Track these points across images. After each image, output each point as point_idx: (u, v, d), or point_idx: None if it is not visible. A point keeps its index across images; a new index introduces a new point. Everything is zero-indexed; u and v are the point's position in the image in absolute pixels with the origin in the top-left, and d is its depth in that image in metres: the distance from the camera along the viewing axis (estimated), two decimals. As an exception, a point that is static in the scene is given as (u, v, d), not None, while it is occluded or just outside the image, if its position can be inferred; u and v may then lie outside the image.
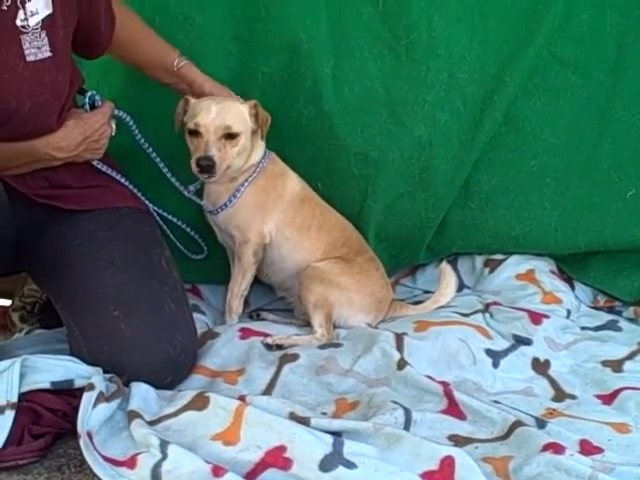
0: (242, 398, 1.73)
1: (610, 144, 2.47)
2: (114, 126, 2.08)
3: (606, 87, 2.45)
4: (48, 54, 1.83)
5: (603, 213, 2.49)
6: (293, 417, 1.66)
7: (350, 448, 1.56)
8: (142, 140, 2.21)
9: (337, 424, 1.65)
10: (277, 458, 1.54)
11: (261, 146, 2.22)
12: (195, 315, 2.23)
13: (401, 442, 1.60)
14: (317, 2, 2.35)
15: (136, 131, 2.20)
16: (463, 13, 2.38)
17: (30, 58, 1.80)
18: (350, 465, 1.52)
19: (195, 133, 2.08)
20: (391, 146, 2.40)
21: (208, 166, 2.04)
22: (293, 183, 2.25)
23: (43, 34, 1.82)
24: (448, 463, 1.53)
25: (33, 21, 1.80)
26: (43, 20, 1.81)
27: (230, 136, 2.08)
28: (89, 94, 2.06)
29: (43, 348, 2.04)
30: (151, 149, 2.23)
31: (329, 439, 1.58)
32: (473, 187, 2.50)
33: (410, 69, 2.39)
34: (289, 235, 2.22)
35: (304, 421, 1.64)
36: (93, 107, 2.06)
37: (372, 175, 2.41)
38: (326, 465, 1.51)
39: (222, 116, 2.07)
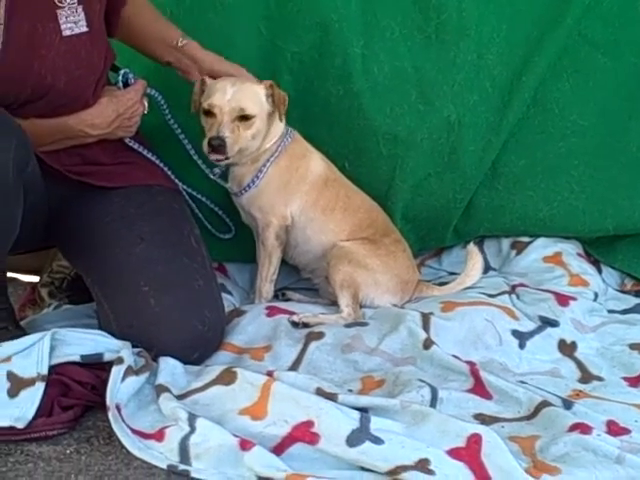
0: (270, 374, 1.76)
1: (639, 127, 2.45)
2: (146, 104, 2.10)
3: (637, 70, 2.43)
4: (85, 29, 1.85)
5: (632, 196, 2.47)
6: (320, 393, 1.68)
7: (377, 424, 1.58)
8: (171, 120, 2.22)
9: (364, 400, 1.66)
10: (304, 433, 1.55)
11: (280, 126, 2.20)
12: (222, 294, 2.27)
13: (428, 419, 1.61)
14: (347, -18, 2.34)
15: (166, 110, 2.21)
16: (492, -6, 2.37)
17: (66, 33, 1.82)
18: (377, 440, 1.53)
19: (209, 114, 2.07)
20: (420, 126, 2.39)
21: (220, 146, 2.02)
22: (316, 164, 2.24)
23: (80, 9, 1.84)
24: (475, 440, 1.54)
25: None
26: None
27: (244, 118, 2.07)
28: (122, 72, 2.08)
29: (72, 323, 2.07)
30: (180, 129, 2.24)
31: (356, 415, 1.59)
32: (500, 168, 2.49)
33: (440, 49, 2.39)
34: (313, 216, 2.22)
35: (331, 397, 1.65)
36: (126, 85, 2.08)
37: (400, 155, 2.40)
38: (353, 440, 1.53)
39: (237, 98, 2.05)
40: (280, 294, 2.40)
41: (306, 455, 1.54)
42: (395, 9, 2.37)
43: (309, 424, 1.56)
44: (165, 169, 2.20)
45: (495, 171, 2.49)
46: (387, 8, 2.37)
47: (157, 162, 2.18)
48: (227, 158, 2.07)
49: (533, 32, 2.38)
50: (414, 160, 2.41)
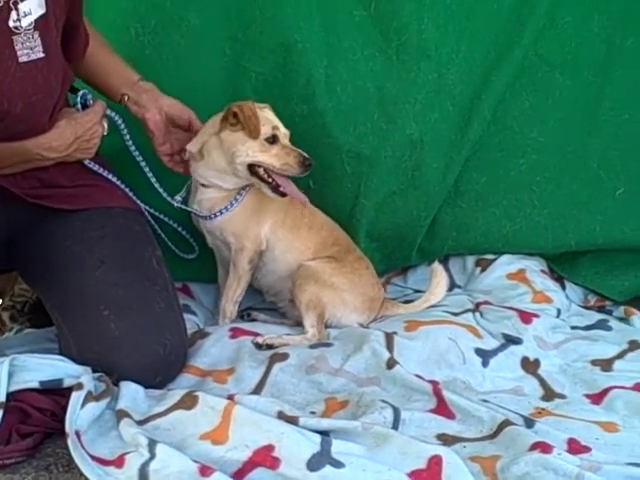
0: (231, 397, 1.74)
1: (599, 143, 2.50)
2: (106, 125, 2.07)
3: (595, 87, 2.48)
4: (41, 55, 1.82)
5: (593, 211, 2.51)
6: (281, 416, 1.66)
7: (338, 447, 1.57)
8: (130, 142, 2.20)
9: (326, 423, 1.65)
10: (265, 457, 1.54)
11: None
12: (186, 315, 2.23)
13: (389, 441, 1.60)
14: (310, 4, 2.36)
15: (125, 132, 2.18)
16: (451, 16, 2.40)
17: (23, 59, 1.79)
18: (338, 464, 1.52)
19: (273, 141, 2.07)
20: (383, 144, 2.42)
21: (313, 163, 2.05)
22: None
23: (36, 35, 1.81)
24: (436, 462, 1.53)
25: (26, 22, 1.78)
26: (36, 20, 1.79)
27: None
28: (81, 93, 2.06)
29: (32, 347, 2.05)
30: (138, 152, 2.21)
31: (317, 438, 1.58)
32: (463, 186, 2.52)
33: (401, 70, 2.41)
34: (281, 236, 2.22)
35: (292, 420, 1.64)
36: (85, 106, 2.06)
37: (364, 172, 2.42)
38: (314, 464, 1.51)
39: (281, 124, 2.11)
40: (245, 314, 2.39)
41: (267, 480, 1.53)
42: (357, 31, 2.39)
43: (270, 448, 1.55)
44: (127, 190, 2.17)
45: (458, 189, 2.52)
46: (349, 30, 2.39)
47: (118, 183, 2.16)
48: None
49: (491, 52, 2.43)
50: (378, 178, 2.43)
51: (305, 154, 2.06)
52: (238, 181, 2.15)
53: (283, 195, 2.10)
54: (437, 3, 2.39)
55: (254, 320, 2.35)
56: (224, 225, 2.19)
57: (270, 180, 2.09)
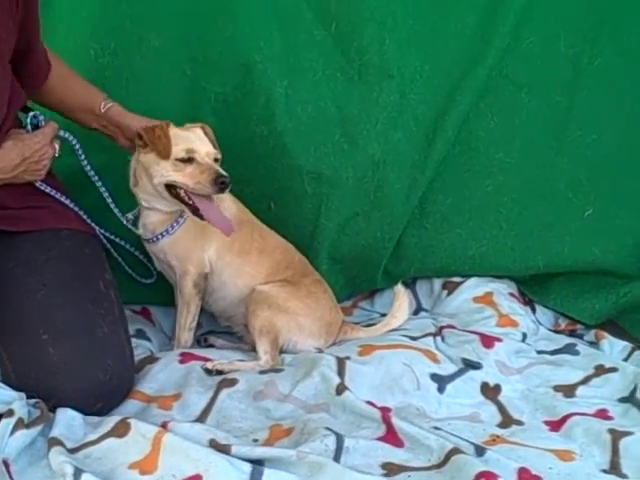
0: (164, 425, 1.68)
1: (566, 164, 2.45)
2: (57, 147, 2.04)
3: (562, 108, 2.44)
4: None
5: (561, 233, 2.46)
6: (213, 444, 1.60)
7: (269, 477, 1.50)
8: (85, 162, 2.16)
9: (259, 452, 1.59)
10: (191, 488, 1.48)
11: None
12: (139, 341, 2.21)
13: (324, 471, 1.53)
14: (270, 24, 2.34)
15: (80, 152, 2.15)
16: (414, 35, 2.37)
17: None
18: (266, 495, 1.46)
19: (188, 160, 2.00)
20: (344, 164, 2.37)
21: (229, 182, 1.98)
22: (228, 205, 2.18)
23: None
24: (369, 493, 1.47)
25: None
26: None
27: (216, 161, 2.05)
28: (31, 114, 2.03)
29: (-22, 373, 1.99)
30: (93, 172, 2.18)
31: (247, 467, 1.51)
32: (428, 207, 2.47)
33: (362, 90, 2.38)
34: (229, 260, 2.16)
35: (224, 449, 1.57)
36: (37, 127, 2.03)
37: (325, 193, 2.37)
38: (241, 495, 1.45)
39: (205, 143, 2.05)
40: (202, 339, 2.34)
41: (191, 512, 1.47)
42: (317, 51, 2.37)
43: (197, 478, 1.49)
44: (80, 213, 2.13)
45: (423, 210, 2.47)
46: (309, 50, 2.37)
47: (71, 205, 2.12)
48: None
49: (455, 72, 2.39)
50: (339, 199, 2.39)
51: (222, 172, 1.98)
52: (169, 203, 2.09)
53: (202, 219, 2.03)
54: (399, 23, 2.36)
55: (211, 346, 2.29)
56: (167, 248, 2.15)
57: (191, 202, 2.02)
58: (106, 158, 2.26)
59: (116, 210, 2.19)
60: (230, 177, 1.98)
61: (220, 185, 1.97)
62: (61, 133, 2.09)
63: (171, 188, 2.04)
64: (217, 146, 2.10)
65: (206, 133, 2.09)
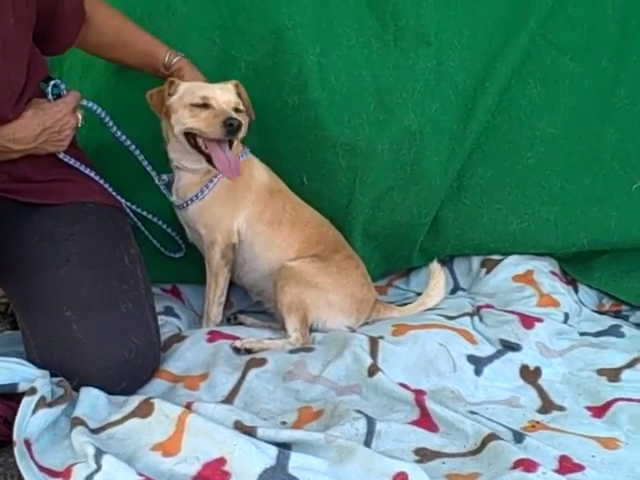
0: (188, 405, 1.62)
1: (613, 134, 2.33)
2: (80, 117, 1.98)
3: (609, 74, 2.32)
4: None
5: (606, 207, 2.34)
6: (238, 426, 1.54)
7: (297, 462, 1.43)
8: (114, 128, 2.12)
9: (285, 435, 1.52)
10: (215, 471, 1.41)
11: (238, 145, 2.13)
12: (167, 318, 2.17)
13: (353, 455, 1.46)
14: (302, -12, 2.24)
15: (107, 120, 2.10)
16: (452, -1, 2.26)
17: None
18: (293, 480, 1.39)
19: (203, 106, 1.98)
20: (380, 136, 2.28)
21: (239, 126, 1.93)
22: (259, 172, 2.14)
23: None
24: (401, 479, 1.39)
25: None
26: None
27: (238, 110, 2.01)
28: (52, 83, 1.96)
29: (4, 350, 1.96)
30: (124, 137, 2.14)
31: (273, 451, 1.45)
32: (467, 181, 2.37)
33: (398, 57, 2.28)
34: (259, 231, 2.10)
35: (250, 431, 1.51)
36: (59, 97, 1.97)
37: (360, 167, 2.28)
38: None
39: (227, 93, 2.02)
40: (233, 317, 2.28)
41: (214, 496, 1.41)
42: (351, 16, 2.27)
43: (221, 461, 1.42)
44: (105, 186, 2.08)
45: (461, 184, 2.37)
46: (343, 15, 2.26)
47: (96, 178, 2.07)
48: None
49: (496, 37, 2.28)
50: (374, 172, 2.29)
51: (232, 115, 1.94)
52: (195, 159, 2.06)
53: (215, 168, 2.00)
54: (436, -15, 2.25)
55: (241, 324, 2.23)
56: (196, 215, 2.10)
57: (207, 151, 1.99)
58: (131, 128, 2.19)
59: (149, 168, 2.17)
60: (240, 122, 1.95)
61: (228, 127, 1.92)
62: (84, 102, 2.03)
63: (190, 137, 2.02)
64: (249, 105, 2.08)
65: (238, 90, 2.06)
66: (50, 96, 1.95)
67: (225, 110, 1.96)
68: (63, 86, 1.98)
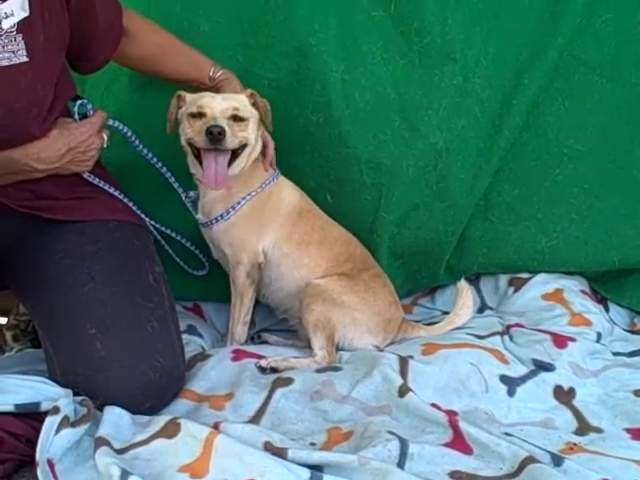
0: (216, 426, 1.58)
1: (643, 151, 2.28)
2: (106, 137, 1.97)
3: (638, 90, 2.27)
4: (24, 59, 1.71)
5: (637, 225, 2.30)
6: (268, 447, 1.50)
7: (329, 484, 1.39)
8: (140, 146, 2.10)
9: (317, 456, 1.47)
10: (245, 493, 1.37)
11: (267, 173, 2.12)
12: (190, 337, 2.14)
13: (388, 478, 1.41)
14: (326, 5, 2.23)
15: (133, 139, 2.08)
16: (478, 15, 2.23)
17: (3, 63, 1.69)
18: (326, 503, 1.34)
19: (199, 115, 1.96)
20: (405, 153, 2.25)
21: (219, 134, 1.88)
22: (289, 193, 2.11)
23: (19, 38, 1.71)
24: (438, 503, 1.34)
25: (7, 24, 1.69)
26: (19, 23, 1.70)
27: (238, 119, 1.96)
28: (79, 102, 1.95)
29: (25, 368, 1.94)
30: (151, 155, 2.12)
31: (305, 474, 1.41)
32: (494, 198, 2.33)
33: (423, 74, 2.25)
34: (287, 251, 2.07)
35: (280, 452, 1.47)
36: (85, 116, 1.96)
37: (385, 184, 2.25)
38: (299, 503, 1.34)
39: (228, 101, 1.98)
40: (256, 336, 2.24)
41: (246, 520, 1.37)
42: (376, 33, 2.24)
43: (251, 484, 1.38)
44: (130, 204, 2.06)
45: (488, 201, 2.33)
46: (367, 32, 2.24)
47: (120, 197, 2.05)
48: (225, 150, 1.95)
49: (522, 53, 2.24)
50: (400, 190, 2.26)
51: (216, 123, 1.90)
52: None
53: None
54: (462, 1, 2.23)
55: (265, 342, 2.19)
56: (221, 234, 2.07)
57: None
58: (159, 150, 2.17)
59: (176, 185, 2.15)
60: (223, 129, 1.90)
61: (209, 135, 1.89)
62: (110, 122, 2.01)
63: (193, 148, 2.01)
64: (267, 115, 2.06)
65: (254, 100, 2.04)
66: (76, 115, 1.94)
67: (213, 118, 1.92)
68: (90, 106, 1.96)
